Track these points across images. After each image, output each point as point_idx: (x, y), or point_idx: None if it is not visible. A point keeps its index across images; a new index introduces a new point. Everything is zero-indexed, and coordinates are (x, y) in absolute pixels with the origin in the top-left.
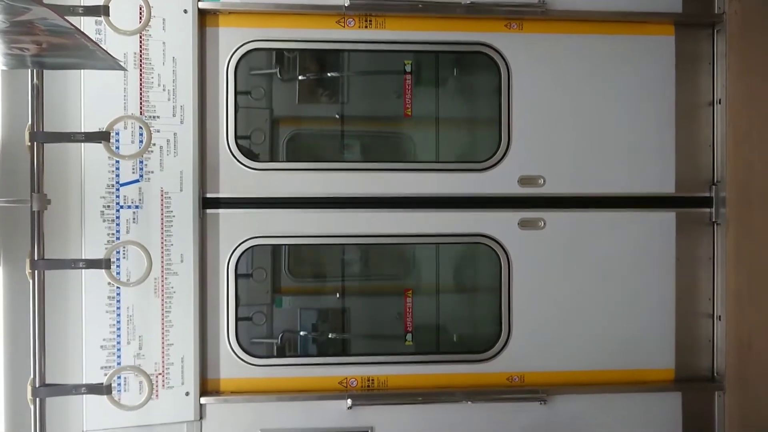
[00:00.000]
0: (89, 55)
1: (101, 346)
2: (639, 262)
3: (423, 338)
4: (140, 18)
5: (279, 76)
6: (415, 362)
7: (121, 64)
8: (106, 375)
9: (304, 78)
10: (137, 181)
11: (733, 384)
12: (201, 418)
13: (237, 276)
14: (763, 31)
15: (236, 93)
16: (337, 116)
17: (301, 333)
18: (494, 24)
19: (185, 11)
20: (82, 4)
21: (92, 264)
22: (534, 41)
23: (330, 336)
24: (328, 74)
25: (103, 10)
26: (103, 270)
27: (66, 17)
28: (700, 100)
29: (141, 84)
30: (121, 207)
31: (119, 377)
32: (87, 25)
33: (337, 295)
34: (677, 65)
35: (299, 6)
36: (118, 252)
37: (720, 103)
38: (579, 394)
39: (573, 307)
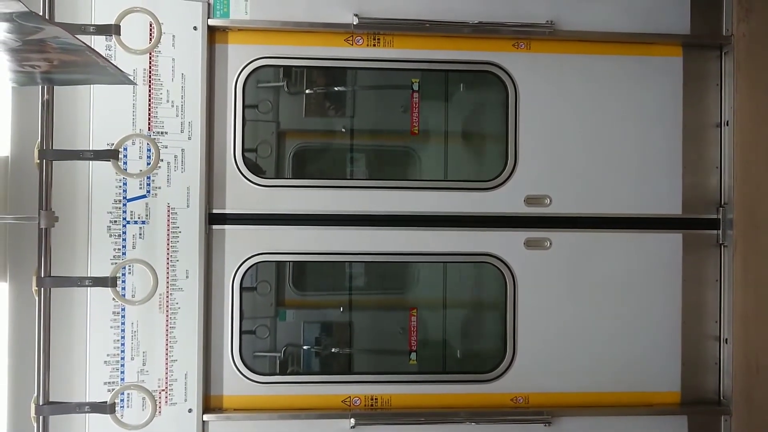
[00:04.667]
0: (99, 71)
1: (105, 362)
2: (645, 283)
3: (427, 357)
4: (150, 34)
5: (286, 89)
6: (419, 381)
7: (131, 78)
8: (109, 391)
9: (312, 92)
10: (144, 196)
11: (740, 408)
12: None
13: (242, 293)
14: None
15: (244, 110)
16: (343, 130)
17: (305, 347)
18: (502, 43)
19: (195, 28)
20: (93, 23)
21: (98, 282)
22: (541, 61)
23: (333, 351)
24: (336, 89)
25: (114, 29)
26: (109, 288)
27: (77, 36)
28: (708, 121)
29: (150, 100)
30: (128, 222)
31: (122, 393)
32: (97, 42)
33: (341, 310)
34: (685, 86)
35: (308, 24)
36: (124, 268)
37: (727, 124)
38: (584, 416)
39: (578, 328)
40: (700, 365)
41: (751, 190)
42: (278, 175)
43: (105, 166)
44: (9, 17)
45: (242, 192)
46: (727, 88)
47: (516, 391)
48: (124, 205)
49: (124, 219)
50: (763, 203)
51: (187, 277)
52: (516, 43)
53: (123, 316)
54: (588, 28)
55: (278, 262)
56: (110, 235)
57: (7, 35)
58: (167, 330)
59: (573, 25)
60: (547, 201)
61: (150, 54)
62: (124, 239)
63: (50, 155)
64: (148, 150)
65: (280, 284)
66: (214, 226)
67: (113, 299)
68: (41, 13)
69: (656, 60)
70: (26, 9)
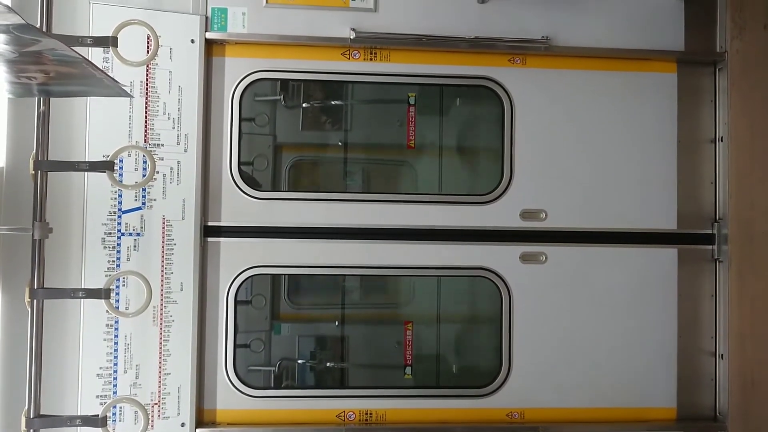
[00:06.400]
0: (96, 83)
1: (97, 375)
2: (641, 298)
3: (423, 371)
4: (148, 46)
5: (283, 103)
6: (414, 396)
7: (128, 90)
8: (101, 404)
9: (309, 106)
10: (139, 208)
11: (736, 423)
12: None
13: (236, 306)
14: (764, 70)
15: (241, 123)
16: (339, 144)
17: (299, 361)
18: (498, 59)
19: (192, 41)
20: (90, 35)
21: (92, 294)
22: (537, 76)
23: (328, 365)
24: (333, 103)
25: (111, 41)
26: (103, 300)
27: (74, 48)
28: (702, 136)
29: (146, 112)
30: (123, 234)
31: (114, 407)
32: (95, 54)
33: (336, 324)
34: (679, 102)
35: (305, 38)
36: (118, 280)
37: (722, 140)
38: None
39: (574, 344)
40: (696, 381)
41: (745, 205)
42: (274, 188)
43: (100, 178)
44: (6, 29)
45: (238, 205)
46: (722, 103)
47: (511, 406)
48: (119, 216)
49: (119, 231)
50: (757, 219)
51: (181, 289)
52: (512, 58)
53: (116, 329)
54: (583, 44)
55: (273, 275)
56: (105, 247)
57: (4, 47)
58: (161, 343)
59: (568, 41)
60: (543, 215)
61: (147, 66)
62: (118, 251)
63: (45, 166)
64: (144, 162)
65: (275, 297)
66: (210, 239)
67: (107, 311)
68: (39, 25)
69: (651, 76)
70: (23, 21)
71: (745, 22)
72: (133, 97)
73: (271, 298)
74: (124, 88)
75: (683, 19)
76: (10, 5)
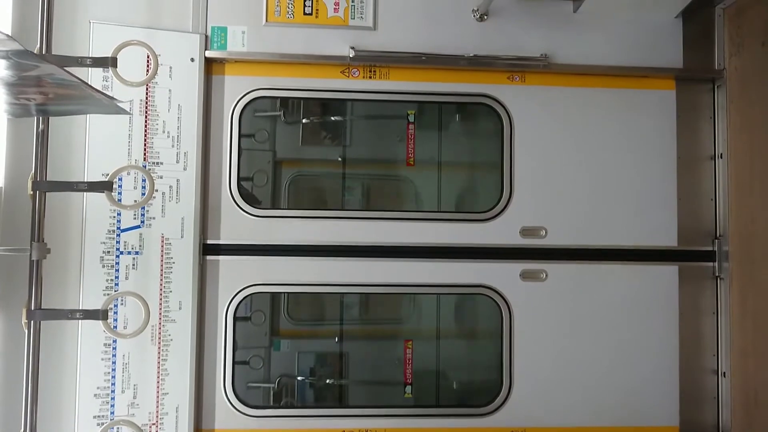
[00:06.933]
0: (94, 102)
1: (95, 395)
2: (642, 316)
3: (423, 390)
4: (147, 65)
5: (283, 118)
6: (415, 415)
7: (126, 108)
8: (99, 425)
9: (308, 122)
10: (138, 227)
11: None
12: None
13: (235, 324)
14: (763, 87)
15: (240, 141)
16: (339, 160)
17: (299, 378)
18: (497, 76)
19: (192, 60)
20: (90, 55)
21: (89, 315)
22: (536, 93)
23: (328, 382)
24: (332, 119)
25: (111, 62)
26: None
27: (74, 68)
28: (702, 153)
29: (146, 131)
30: (121, 253)
31: (112, 428)
32: (95, 74)
33: (336, 340)
34: (678, 119)
35: (305, 56)
36: (117, 298)
37: (721, 157)
38: None
39: (575, 361)
40: (699, 399)
41: (746, 222)
42: (274, 205)
43: (99, 197)
44: (6, 55)
45: (237, 222)
46: (720, 121)
47: (513, 425)
48: (118, 235)
49: (118, 249)
50: (758, 235)
51: (180, 308)
52: (511, 75)
53: (114, 348)
54: (582, 62)
55: (273, 293)
56: (103, 266)
57: (5, 71)
58: (159, 362)
59: (567, 59)
60: (543, 232)
61: (147, 85)
62: (117, 270)
63: (44, 186)
64: (143, 180)
65: (275, 314)
66: (208, 257)
67: (104, 331)
68: (38, 47)
69: (650, 93)
70: (22, 48)
71: (743, 39)
72: (131, 114)
73: (271, 315)
74: (122, 106)
75: (681, 36)
76: (10, 32)
